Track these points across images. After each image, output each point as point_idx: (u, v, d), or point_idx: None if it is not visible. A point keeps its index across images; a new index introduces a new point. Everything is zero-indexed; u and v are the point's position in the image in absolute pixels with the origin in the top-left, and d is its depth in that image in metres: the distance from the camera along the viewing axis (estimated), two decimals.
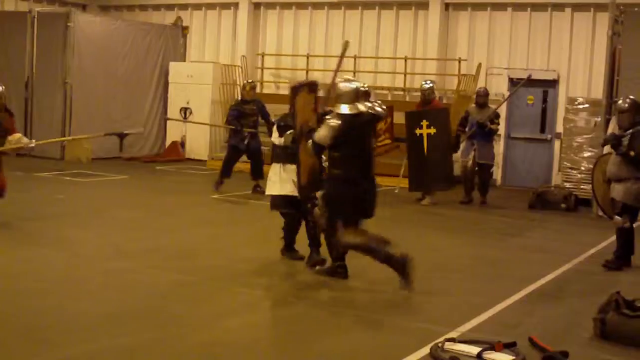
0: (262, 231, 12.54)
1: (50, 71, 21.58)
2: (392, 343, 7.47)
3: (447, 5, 21.34)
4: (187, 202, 14.89)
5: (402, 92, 21.58)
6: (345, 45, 10.12)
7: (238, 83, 22.85)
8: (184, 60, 24.50)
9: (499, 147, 20.52)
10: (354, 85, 9.47)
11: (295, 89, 9.96)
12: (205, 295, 8.86)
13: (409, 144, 16.37)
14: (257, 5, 24.08)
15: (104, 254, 10.71)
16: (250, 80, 17.43)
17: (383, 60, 22.13)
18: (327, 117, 9.39)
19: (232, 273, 9.92)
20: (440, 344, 6.97)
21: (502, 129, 20.42)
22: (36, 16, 21.97)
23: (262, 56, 23.73)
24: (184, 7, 25.25)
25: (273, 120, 12.62)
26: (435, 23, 21.24)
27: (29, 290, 8.49)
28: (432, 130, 15.88)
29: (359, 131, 9.40)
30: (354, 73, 21.84)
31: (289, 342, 7.41)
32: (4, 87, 11.87)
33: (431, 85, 17.01)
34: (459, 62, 20.71)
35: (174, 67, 23.52)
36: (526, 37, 20.50)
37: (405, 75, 21.41)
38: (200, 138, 22.79)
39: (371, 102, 9.73)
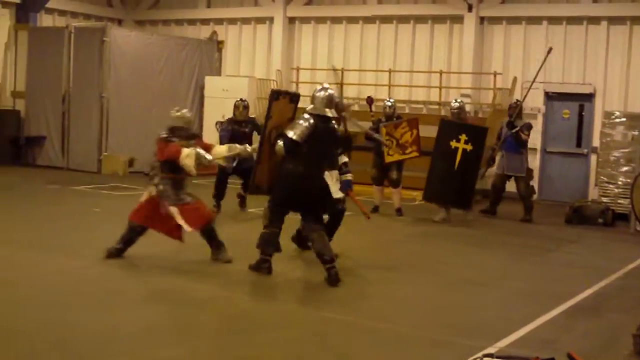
0: (291, 244, 12.56)
1: (87, 85, 21.75)
2: (431, 358, 7.44)
3: (482, 19, 21.29)
4: (223, 215, 14.86)
5: (437, 106, 21.53)
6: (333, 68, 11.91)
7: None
8: (220, 75, 24.62)
9: (534, 161, 20.42)
10: (327, 93, 10.41)
11: (276, 94, 10.79)
12: (239, 309, 8.86)
13: (438, 153, 15.97)
14: (292, 20, 24.14)
15: (141, 266, 10.74)
16: (242, 99, 16.15)
17: (418, 74, 22.10)
18: (306, 117, 10.27)
19: (268, 286, 9.93)
20: (478, 359, 6.92)
21: (537, 143, 20.37)
22: (73, 31, 22.18)
23: (297, 70, 23.78)
24: (220, 21, 25.37)
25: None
26: (470, 37, 21.20)
27: (65, 303, 8.52)
28: (469, 147, 15.61)
29: (321, 133, 10.18)
30: (389, 87, 21.86)
31: (324, 357, 7.39)
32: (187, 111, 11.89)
33: (460, 104, 16.54)
34: (494, 75, 20.65)
35: (209, 81, 23.61)
36: (562, 51, 20.38)
37: (440, 89, 21.36)
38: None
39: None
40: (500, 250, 13.33)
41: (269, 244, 10.37)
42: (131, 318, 8.19)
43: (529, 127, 16.94)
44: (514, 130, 16.59)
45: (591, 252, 13.81)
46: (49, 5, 23.76)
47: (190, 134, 11.22)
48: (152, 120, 22.15)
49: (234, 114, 15.72)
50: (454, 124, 16.15)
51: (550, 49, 17.10)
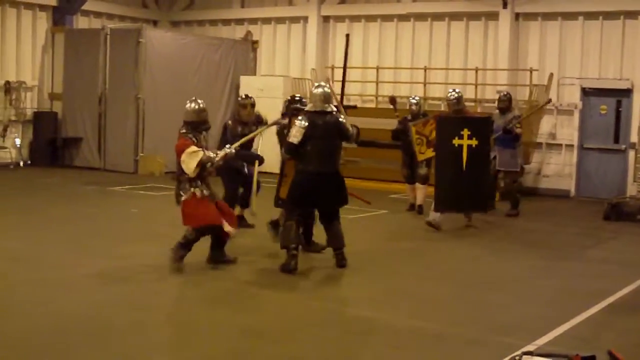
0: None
1: (123, 86, 21.88)
2: (468, 356, 7.42)
3: (517, 15, 21.16)
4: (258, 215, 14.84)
5: (473, 103, 21.41)
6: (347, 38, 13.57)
7: (308, 96, 22.89)
8: (255, 74, 24.66)
9: (572, 157, 20.31)
10: (324, 89, 10.85)
11: (296, 111, 11.48)
12: (278, 307, 8.87)
13: (441, 156, 14.52)
14: (326, 19, 24.13)
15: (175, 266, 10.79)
16: (249, 96, 13.96)
17: (453, 72, 22.03)
18: (300, 118, 10.69)
19: (303, 285, 9.95)
20: (517, 357, 6.87)
21: (574, 139, 20.24)
22: (109, 33, 22.33)
23: (332, 69, 23.75)
24: (254, 21, 25.41)
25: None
26: (506, 33, 21.08)
27: (101, 302, 8.57)
28: (474, 142, 14.18)
29: (322, 130, 10.57)
30: (424, 85, 21.80)
31: (363, 356, 7.38)
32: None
33: (458, 94, 15.48)
34: (531, 72, 20.51)
35: (244, 81, 23.65)
36: (598, 46, 20.23)
37: (476, 87, 21.26)
38: (272, 151, 22.82)
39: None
40: (537, 248, 13.23)
41: (289, 238, 10.57)
42: (167, 317, 8.24)
43: (518, 118, 16.38)
44: (509, 127, 15.98)
45: (630, 248, 13.70)
46: (85, 7, 23.91)
47: (207, 127, 10.95)
48: None
49: (239, 115, 13.69)
50: (453, 119, 14.99)
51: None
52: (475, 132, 14.24)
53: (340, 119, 10.72)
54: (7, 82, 22.20)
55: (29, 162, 22.58)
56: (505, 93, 16.98)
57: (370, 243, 12.90)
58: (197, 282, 9.84)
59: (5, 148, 21.94)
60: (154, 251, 11.29)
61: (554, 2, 20.68)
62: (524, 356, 6.88)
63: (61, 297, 8.85)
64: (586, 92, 20.26)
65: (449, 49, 22.23)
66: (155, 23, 26.50)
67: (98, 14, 24.98)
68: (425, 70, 21.97)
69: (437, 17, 22.32)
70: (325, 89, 10.81)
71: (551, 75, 20.07)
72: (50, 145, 22.79)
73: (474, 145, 14.16)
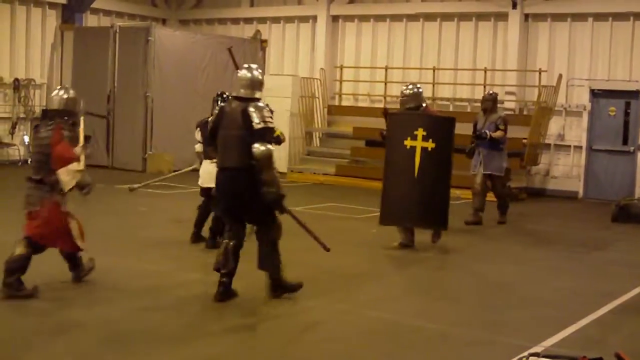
0: (340, 243, 12.58)
1: (132, 84, 21.92)
2: (475, 357, 7.42)
3: (526, 16, 21.14)
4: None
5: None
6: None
7: (317, 96, 22.94)
8: (263, 74, 24.55)
9: (580, 158, 20.28)
10: (249, 73, 9.07)
11: None
12: (287, 307, 8.87)
13: (390, 159, 12.37)
14: (335, 18, 24.13)
15: (181, 265, 10.80)
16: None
17: (462, 72, 22.01)
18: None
19: (312, 285, 9.94)
20: (524, 359, 6.84)
21: (583, 140, 20.21)
22: (118, 31, 22.37)
23: (341, 68, 23.77)
24: (263, 20, 25.42)
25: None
26: (515, 34, 21.06)
27: (109, 299, 8.58)
28: (430, 145, 11.86)
29: (228, 118, 8.91)
30: (433, 85, 21.78)
31: (372, 356, 7.37)
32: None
33: (415, 90, 12.66)
34: (539, 73, 20.49)
35: None
36: (607, 48, 20.20)
37: (484, 87, 21.22)
38: (280, 150, 22.82)
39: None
40: (545, 249, 13.21)
41: (217, 260, 8.94)
42: (177, 316, 8.23)
43: (503, 121, 14.99)
44: (480, 133, 14.81)
45: (638, 250, 13.67)
46: (94, 5, 23.95)
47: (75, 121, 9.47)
48: (197, 119, 22.27)
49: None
50: (407, 115, 12.58)
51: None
52: (434, 132, 11.91)
53: (250, 108, 8.71)
54: (16, 80, 22.27)
55: None
56: (491, 92, 15.92)
57: (376, 243, 12.87)
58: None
59: (14, 145, 21.99)
60: (159, 249, 11.31)
61: (563, 3, 20.67)
62: (531, 357, 6.85)
63: (65, 294, 8.86)
64: (595, 94, 20.23)
65: (458, 49, 22.21)
66: (164, 21, 26.55)
67: (107, 12, 25.04)
68: (434, 71, 21.95)
69: (447, 17, 22.31)
70: (255, 72, 9.07)
71: (560, 76, 20.04)
72: None
73: (430, 149, 11.84)
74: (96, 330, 7.55)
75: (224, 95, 12.74)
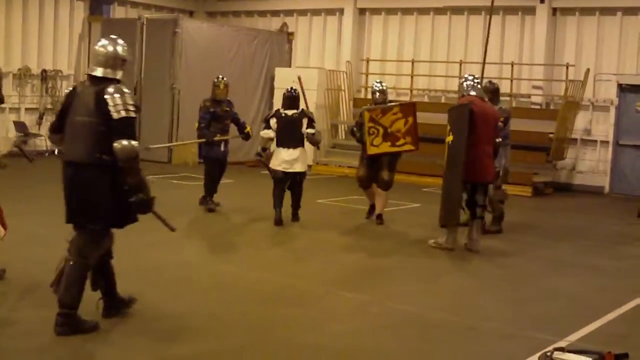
0: (364, 236, 12.61)
1: (159, 76, 21.97)
2: (500, 351, 7.41)
3: (554, 10, 21.04)
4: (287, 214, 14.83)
5: (508, 98, 21.33)
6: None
7: (343, 88, 22.93)
8: (290, 66, 24.68)
9: (607, 153, 20.18)
10: (104, 48, 7.46)
11: None
12: (313, 300, 8.89)
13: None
14: (362, 11, 24.11)
15: (210, 256, 10.86)
16: (222, 77, 14.78)
17: (489, 66, 21.89)
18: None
19: (339, 278, 9.96)
20: (549, 353, 6.84)
21: (610, 136, 20.11)
22: (145, 23, 22.39)
23: (367, 62, 23.74)
24: (290, 13, 25.43)
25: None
26: (543, 28, 20.97)
27: (137, 289, 8.61)
28: (450, 138, 11.80)
29: (79, 102, 7.27)
30: (460, 78, 21.68)
31: (397, 349, 7.38)
32: None
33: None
34: (567, 67, 20.38)
35: (279, 72, 23.67)
36: (636, 42, 20.07)
37: (511, 81, 21.16)
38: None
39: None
40: (570, 244, 13.16)
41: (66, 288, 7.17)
42: (199, 306, 8.26)
43: (502, 112, 13.18)
44: None
45: None
46: None
47: None
48: None
49: (214, 93, 14.50)
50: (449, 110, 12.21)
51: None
52: (452, 124, 11.77)
53: (106, 93, 7.08)
54: (44, 71, 22.40)
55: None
56: (492, 82, 14.00)
57: (401, 236, 12.89)
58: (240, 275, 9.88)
59: (41, 136, 22.08)
60: (186, 240, 11.36)
61: None
62: (555, 352, 6.86)
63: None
64: (622, 88, 20.12)
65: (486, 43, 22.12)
66: (191, 14, 26.59)
67: (135, 4, 25.11)
68: (460, 64, 21.88)
69: (474, 10, 22.23)
70: (115, 46, 7.49)
71: (587, 70, 19.94)
72: None
73: (450, 142, 11.72)
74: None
75: (292, 89, 13.58)
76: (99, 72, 7.23)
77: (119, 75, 7.27)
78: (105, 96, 7.01)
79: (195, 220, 13.70)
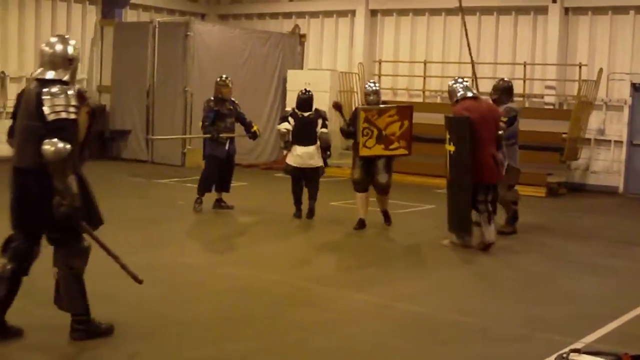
0: (377, 237, 12.60)
1: (171, 79, 21.98)
2: (515, 353, 7.38)
3: (566, 10, 20.98)
4: (304, 209, 14.81)
5: (521, 99, 21.28)
6: None
7: (355, 90, 22.90)
8: (302, 68, 24.68)
9: (621, 153, 20.10)
10: (51, 48, 6.92)
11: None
12: (325, 302, 8.87)
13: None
14: (374, 12, 24.09)
15: (222, 259, 10.86)
16: (225, 76, 14.75)
17: (502, 66, 21.88)
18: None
19: (352, 279, 9.95)
20: (565, 355, 6.81)
21: (623, 135, 20.04)
22: (157, 26, 22.41)
23: (380, 63, 23.72)
24: (302, 15, 25.42)
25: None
26: (555, 28, 20.91)
27: (151, 294, 8.61)
28: (452, 147, 11.76)
29: (23, 104, 6.96)
30: (472, 79, 21.66)
31: (410, 351, 7.36)
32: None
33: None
34: (580, 67, 20.32)
35: (291, 74, 23.68)
36: None
37: (524, 81, 21.11)
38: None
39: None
40: (584, 245, 13.09)
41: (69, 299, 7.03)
42: (211, 310, 8.26)
43: (508, 111, 12.92)
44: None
45: None
46: (133, 0, 24.11)
47: None
48: None
49: (221, 92, 14.45)
50: (446, 119, 12.12)
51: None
52: (452, 134, 11.75)
53: (44, 93, 6.66)
54: None
55: None
56: (505, 80, 13.91)
57: (415, 238, 12.86)
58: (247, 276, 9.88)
59: None
60: (197, 242, 11.36)
61: None
62: (572, 354, 6.82)
63: (103, 290, 8.92)
64: (636, 88, 20.04)
65: (498, 44, 22.10)
66: (203, 16, 26.63)
67: (146, 8, 25.15)
68: (473, 65, 21.80)
69: (486, 10, 22.19)
70: (58, 45, 6.90)
71: (600, 70, 19.88)
72: (99, 137, 22.97)
73: (451, 152, 11.73)
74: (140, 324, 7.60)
75: (306, 90, 14.12)
76: (41, 73, 6.86)
77: (65, 76, 6.84)
78: (43, 97, 6.63)
79: (207, 223, 13.73)
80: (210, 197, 14.49)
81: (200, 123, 14.61)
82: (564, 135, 19.32)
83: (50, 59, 6.84)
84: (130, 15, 24.69)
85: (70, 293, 6.92)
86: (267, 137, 23.36)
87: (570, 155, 19.63)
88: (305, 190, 13.98)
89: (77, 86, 6.96)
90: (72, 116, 6.65)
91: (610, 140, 20.38)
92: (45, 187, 6.65)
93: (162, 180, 18.52)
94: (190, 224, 13.65)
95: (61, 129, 6.54)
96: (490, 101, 12.71)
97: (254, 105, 22.70)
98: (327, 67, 24.38)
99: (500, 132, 12.01)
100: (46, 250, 7.04)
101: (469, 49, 16.02)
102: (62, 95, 6.62)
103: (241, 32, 23.94)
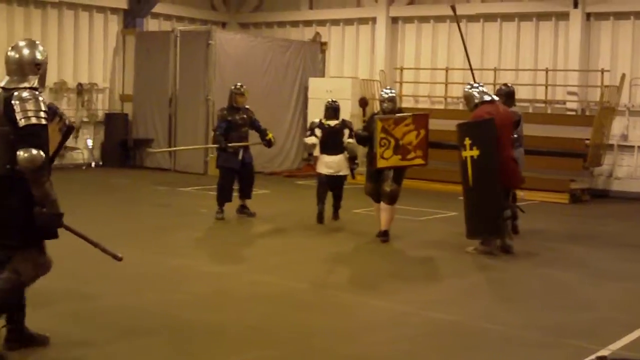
0: (399, 244, 12.58)
1: (193, 88, 22.06)
2: (542, 359, 7.35)
3: (588, 15, 20.91)
4: (327, 216, 14.79)
5: (543, 105, 21.24)
6: None
7: (377, 97, 22.86)
8: (323, 76, 24.71)
9: (634, 159, 20.01)
10: (15, 54, 6.71)
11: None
12: (349, 309, 8.87)
13: (460, 172, 12.00)
14: (394, 20, 24.08)
15: (245, 266, 10.88)
16: (240, 85, 14.86)
17: (523, 72, 21.83)
18: None
19: (375, 286, 9.94)
20: None
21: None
22: (178, 35, 22.53)
23: (401, 70, 23.71)
24: (322, 23, 25.45)
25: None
26: (577, 33, 20.84)
27: (176, 302, 8.64)
28: (475, 152, 11.60)
29: None
30: (494, 85, 21.63)
31: (435, 358, 7.35)
32: None
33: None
34: (602, 73, 20.25)
35: (313, 82, 23.72)
36: None
37: (546, 87, 21.06)
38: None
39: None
40: (609, 251, 13.01)
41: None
42: (236, 317, 8.27)
43: (515, 116, 12.95)
44: None
45: None
46: (154, 10, 24.18)
47: None
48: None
49: (236, 101, 14.56)
50: (459, 126, 12.16)
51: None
52: (475, 139, 11.62)
53: (13, 98, 6.50)
54: (80, 84, 22.56)
55: (101, 163, 22.97)
56: (507, 85, 14.31)
57: (438, 245, 12.82)
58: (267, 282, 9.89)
59: (78, 149, 22.26)
60: (219, 250, 11.38)
61: (626, 2, 20.39)
62: None
63: (128, 297, 8.95)
64: None
65: (519, 50, 22.05)
66: (224, 25, 26.69)
67: (168, 17, 25.23)
68: (494, 71, 21.80)
69: (507, 17, 22.15)
70: (24, 50, 6.67)
71: (623, 76, 19.80)
72: (122, 146, 23.09)
73: (475, 157, 11.57)
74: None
75: (333, 101, 14.59)
76: (7, 81, 6.66)
77: (32, 82, 6.61)
78: (13, 101, 6.45)
79: (230, 231, 13.79)
80: (232, 205, 14.53)
81: (213, 132, 14.85)
82: (586, 142, 19.25)
83: (18, 65, 6.63)
84: (151, 25, 24.79)
85: (3, 296, 6.55)
86: (289, 146, 23.41)
87: (594, 162, 19.54)
88: (329, 195, 14.39)
89: (48, 101, 6.79)
90: (43, 121, 6.48)
91: (633, 146, 20.28)
92: (4, 193, 6.51)
93: (185, 188, 18.58)
94: (213, 231, 13.69)
95: (32, 134, 6.38)
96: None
97: (275, 114, 22.79)
98: (349, 74, 24.39)
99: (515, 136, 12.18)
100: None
101: (467, 55, 15.90)
102: (32, 100, 6.44)
103: (262, 41, 23.99)
